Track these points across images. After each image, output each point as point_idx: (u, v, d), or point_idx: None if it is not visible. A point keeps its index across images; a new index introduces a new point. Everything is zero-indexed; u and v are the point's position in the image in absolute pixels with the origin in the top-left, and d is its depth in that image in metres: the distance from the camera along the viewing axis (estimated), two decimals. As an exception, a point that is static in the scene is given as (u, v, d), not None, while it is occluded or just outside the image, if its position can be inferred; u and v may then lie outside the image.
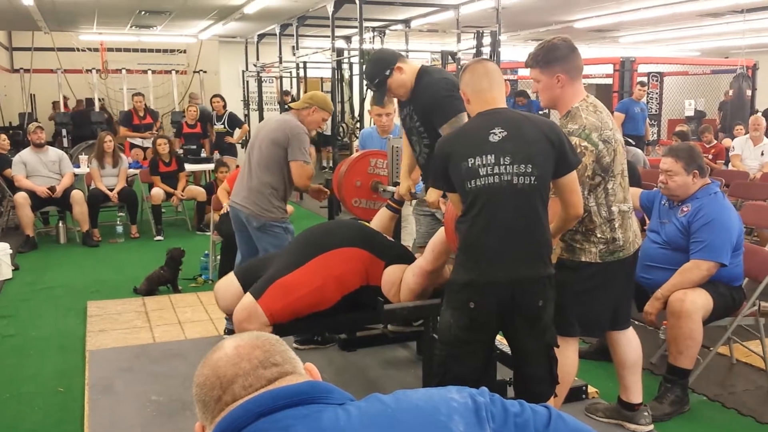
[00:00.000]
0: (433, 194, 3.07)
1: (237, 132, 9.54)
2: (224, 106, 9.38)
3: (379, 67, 3.20)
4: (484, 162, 2.33)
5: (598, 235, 2.71)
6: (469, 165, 2.34)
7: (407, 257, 3.17)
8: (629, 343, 2.99)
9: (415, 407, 1.04)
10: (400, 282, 3.02)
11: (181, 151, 9.22)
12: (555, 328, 2.47)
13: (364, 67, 8.03)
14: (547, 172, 2.36)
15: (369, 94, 5.75)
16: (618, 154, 2.70)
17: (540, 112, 8.35)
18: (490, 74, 2.51)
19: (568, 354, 2.73)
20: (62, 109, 14.32)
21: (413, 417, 1.02)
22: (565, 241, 2.74)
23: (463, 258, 2.42)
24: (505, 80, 2.83)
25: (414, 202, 3.57)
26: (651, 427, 3.05)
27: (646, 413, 3.06)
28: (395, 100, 3.60)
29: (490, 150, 2.33)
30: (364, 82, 7.95)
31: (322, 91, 10.24)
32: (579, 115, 2.66)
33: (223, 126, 9.28)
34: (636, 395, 3.04)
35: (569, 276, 2.69)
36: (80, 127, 13.14)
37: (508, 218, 2.32)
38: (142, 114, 9.63)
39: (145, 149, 9.29)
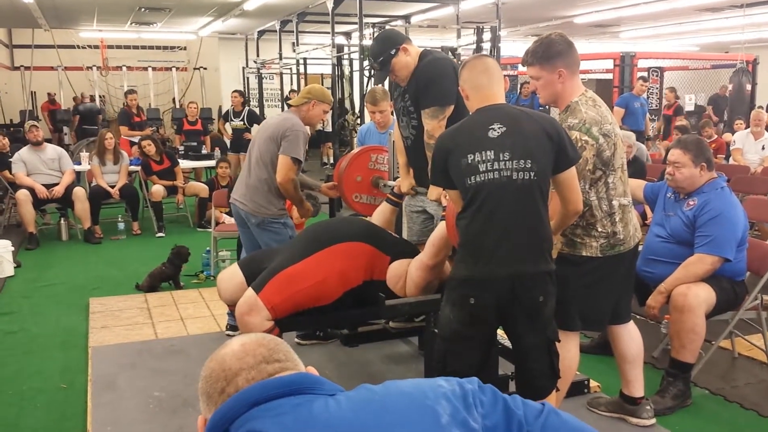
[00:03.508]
0: (434, 192, 3.06)
1: (255, 128, 9.51)
2: (243, 103, 9.24)
3: (385, 46, 3.15)
4: (483, 158, 2.32)
5: (599, 229, 2.71)
6: (469, 161, 2.34)
7: (412, 252, 3.16)
8: (630, 337, 2.99)
9: (403, 393, 1.08)
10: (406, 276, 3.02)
11: (182, 148, 9.21)
12: (556, 322, 2.47)
13: (364, 63, 8.03)
14: (546, 167, 2.35)
15: (369, 89, 5.75)
16: (618, 148, 2.70)
17: (540, 109, 8.35)
18: (489, 70, 2.49)
19: (569, 348, 2.74)
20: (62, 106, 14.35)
21: (401, 403, 1.06)
22: (565, 235, 2.74)
23: (463, 254, 2.42)
24: (504, 76, 2.81)
25: (406, 198, 3.56)
26: (653, 421, 3.05)
27: (648, 407, 3.06)
28: (388, 96, 3.55)
29: (490, 146, 2.33)
30: (367, 63, 7.95)
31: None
32: (579, 110, 2.66)
33: (242, 122, 9.17)
34: (638, 389, 3.05)
35: (570, 270, 2.69)
36: (90, 120, 13.12)
37: (508, 214, 2.32)
38: (136, 111, 9.63)
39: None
